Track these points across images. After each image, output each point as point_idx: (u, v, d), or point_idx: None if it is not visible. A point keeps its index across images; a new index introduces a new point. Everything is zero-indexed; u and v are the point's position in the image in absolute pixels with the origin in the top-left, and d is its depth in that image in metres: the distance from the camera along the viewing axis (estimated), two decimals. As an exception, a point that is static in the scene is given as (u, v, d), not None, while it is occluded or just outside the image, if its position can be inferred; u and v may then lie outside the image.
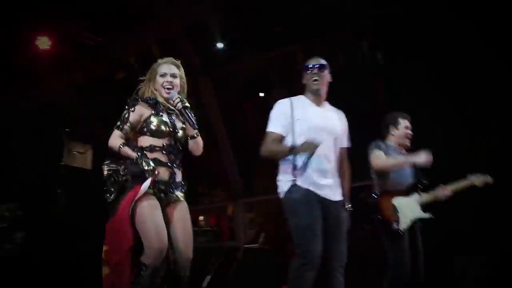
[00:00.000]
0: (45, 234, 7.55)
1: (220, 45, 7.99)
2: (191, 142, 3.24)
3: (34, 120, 8.62)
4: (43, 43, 7.66)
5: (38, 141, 8.54)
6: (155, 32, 8.08)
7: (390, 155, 4.16)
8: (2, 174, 7.80)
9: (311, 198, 3.18)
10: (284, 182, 3.31)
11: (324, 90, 3.45)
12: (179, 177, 3.23)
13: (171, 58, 3.35)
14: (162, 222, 3.00)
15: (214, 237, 8.73)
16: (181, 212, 3.16)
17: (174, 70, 3.30)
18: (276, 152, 3.31)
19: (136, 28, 7.96)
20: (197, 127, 3.18)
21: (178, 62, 3.34)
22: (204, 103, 8.59)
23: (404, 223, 4.00)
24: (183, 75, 3.34)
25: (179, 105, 3.14)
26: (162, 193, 3.11)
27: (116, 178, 3.09)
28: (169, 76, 3.26)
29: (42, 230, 7.61)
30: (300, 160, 3.23)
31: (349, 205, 3.42)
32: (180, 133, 3.24)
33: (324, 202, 3.23)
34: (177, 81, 3.29)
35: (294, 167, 3.24)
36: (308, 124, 3.30)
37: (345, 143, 3.53)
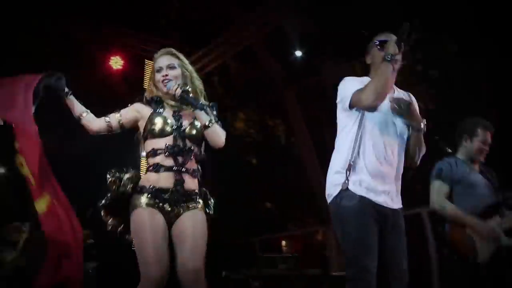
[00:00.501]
0: (117, 265, 7.15)
1: (299, 53, 7.51)
2: (206, 133, 2.83)
3: (113, 144, 8.40)
4: (116, 63, 7.67)
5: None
6: (232, 44, 7.58)
7: (459, 178, 3.62)
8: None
9: (366, 207, 2.71)
10: (333, 185, 2.80)
11: (396, 71, 2.85)
12: (190, 184, 2.84)
13: (167, 48, 3.06)
14: (163, 246, 2.70)
15: (296, 264, 8.14)
16: (192, 221, 2.78)
17: (171, 60, 2.98)
18: (373, 84, 2.75)
19: (212, 42, 7.56)
20: (208, 112, 2.83)
21: (175, 51, 3.02)
22: (290, 119, 8.03)
23: (483, 254, 3.39)
24: (185, 63, 3.01)
25: (178, 91, 2.82)
26: (167, 204, 2.77)
27: (117, 187, 2.81)
28: (165, 69, 2.94)
29: (113, 260, 7.22)
30: (362, 158, 2.77)
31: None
32: (188, 129, 2.88)
33: (381, 211, 2.75)
34: (176, 72, 2.95)
35: (350, 167, 2.75)
36: (378, 112, 2.81)
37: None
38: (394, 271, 2.71)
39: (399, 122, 2.83)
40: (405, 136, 2.87)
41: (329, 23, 6.84)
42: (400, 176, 2.84)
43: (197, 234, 2.74)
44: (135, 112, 2.92)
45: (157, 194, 2.75)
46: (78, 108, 2.85)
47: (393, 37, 2.78)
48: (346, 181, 2.72)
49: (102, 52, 7.58)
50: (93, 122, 2.86)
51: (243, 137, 10.23)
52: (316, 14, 6.79)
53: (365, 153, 2.75)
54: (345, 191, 2.72)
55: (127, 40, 7.43)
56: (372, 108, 2.75)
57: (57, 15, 6.81)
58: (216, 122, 2.82)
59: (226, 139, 2.85)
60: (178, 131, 2.84)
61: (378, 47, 2.89)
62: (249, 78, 9.06)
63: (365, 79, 2.87)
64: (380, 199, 2.73)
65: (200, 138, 2.88)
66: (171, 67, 2.94)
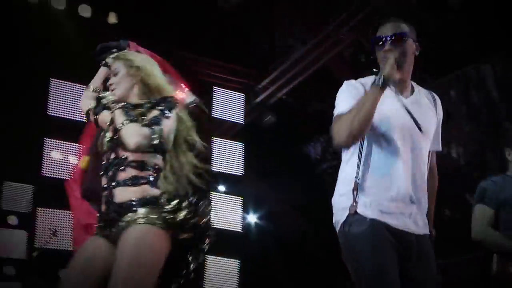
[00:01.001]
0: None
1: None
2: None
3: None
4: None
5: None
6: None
7: (508, 200, 3.21)
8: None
9: (380, 232, 2.25)
10: (339, 209, 2.36)
11: (407, 70, 2.43)
12: (122, 195, 2.45)
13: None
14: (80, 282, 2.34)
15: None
16: (124, 240, 2.33)
17: (114, 65, 2.67)
18: (348, 118, 2.28)
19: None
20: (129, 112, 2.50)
21: (121, 53, 2.73)
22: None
23: None
24: (134, 62, 2.65)
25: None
26: (105, 226, 2.47)
27: None
28: (112, 77, 2.67)
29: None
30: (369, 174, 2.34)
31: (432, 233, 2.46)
32: (108, 135, 2.55)
33: (401, 237, 2.28)
34: (116, 78, 2.64)
35: (357, 186, 2.30)
36: (380, 117, 2.32)
37: (437, 145, 2.57)
38: None
39: (420, 118, 2.34)
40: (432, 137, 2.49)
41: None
42: (426, 193, 2.41)
43: (127, 260, 2.28)
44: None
45: (99, 220, 2.51)
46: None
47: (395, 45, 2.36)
48: (354, 204, 2.29)
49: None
50: None
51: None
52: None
53: (374, 166, 2.33)
54: (353, 215, 2.29)
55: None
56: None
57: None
58: (136, 121, 2.47)
59: None
60: (111, 143, 2.53)
61: (378, 45, 2.40)
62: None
63: (368, 80, 2.37)
64: (399, 223, 2.29)
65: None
66: (114, 73, 2.66)
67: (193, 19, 6.85)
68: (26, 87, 6.12)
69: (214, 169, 6.93)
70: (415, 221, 2.34)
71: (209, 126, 6.74)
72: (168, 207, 2.44)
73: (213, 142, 7.17)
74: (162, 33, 6.56)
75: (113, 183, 2.47)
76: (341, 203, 2.35)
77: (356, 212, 2.28)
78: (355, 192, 2.29)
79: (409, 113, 2.30)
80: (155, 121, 2.46)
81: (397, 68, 2.27)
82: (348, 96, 2.37)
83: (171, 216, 2.41)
